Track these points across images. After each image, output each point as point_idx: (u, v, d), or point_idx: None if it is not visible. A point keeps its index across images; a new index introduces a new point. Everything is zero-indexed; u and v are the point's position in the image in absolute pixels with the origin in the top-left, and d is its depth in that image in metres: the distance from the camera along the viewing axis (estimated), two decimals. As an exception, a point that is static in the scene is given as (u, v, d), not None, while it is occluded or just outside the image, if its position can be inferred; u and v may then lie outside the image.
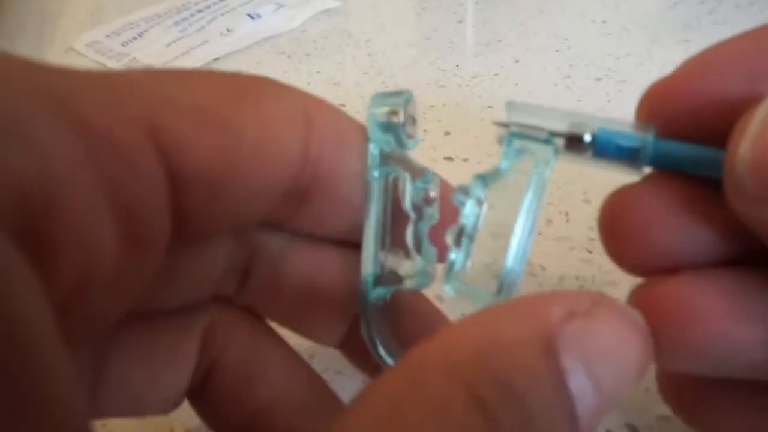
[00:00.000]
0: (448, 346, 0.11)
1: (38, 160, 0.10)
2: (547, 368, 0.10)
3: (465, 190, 0.16)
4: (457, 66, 0.41)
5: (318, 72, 0.41)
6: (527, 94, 0.37)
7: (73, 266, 0.11)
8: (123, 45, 0.46)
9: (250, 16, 0.47)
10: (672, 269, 0.14)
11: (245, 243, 0.17)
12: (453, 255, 0.16)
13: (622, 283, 0.19)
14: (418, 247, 0.17)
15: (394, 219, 0.17)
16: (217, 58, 0.44)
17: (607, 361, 0.11)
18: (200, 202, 0.14)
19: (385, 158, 0.17)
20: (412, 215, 0.17)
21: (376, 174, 0.17)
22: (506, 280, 0.15)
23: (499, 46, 0.42)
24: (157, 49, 0.45)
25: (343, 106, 0.22)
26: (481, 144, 0.33)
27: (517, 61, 0.40)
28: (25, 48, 0.49)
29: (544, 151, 0.16)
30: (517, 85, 0.38)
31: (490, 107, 0.36)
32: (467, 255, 0.16)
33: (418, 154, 0.17)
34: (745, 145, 0.12)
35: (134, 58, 0.44)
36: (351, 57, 0.43)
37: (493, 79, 0.39)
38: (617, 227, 0.15)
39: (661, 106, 0.15)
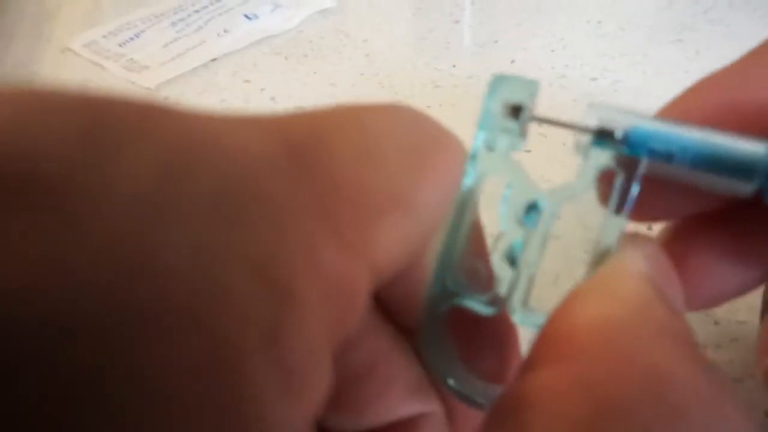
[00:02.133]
0: (582, 358, 0.11)
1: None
2: (660, 301, 0.13)
3: (534, 206, 0.14)
4: (454, 66, 0.41)
5: (315, 73, 0.42)
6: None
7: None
8: (120, 45, 0.46)
9: (247, 16, 0.47)
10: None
11: None
12: (514, 278, 0.14)
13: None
14: (501, 268, 0.15)
15: (477, 226, 0.15)
16: (214, 59, 0.44)
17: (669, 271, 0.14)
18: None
19: (488, 157, 0.15)
20: (503, 229, 0.15)
21: (471, 171, 0.14)
22: None
23: (495, 46, 0.43)
24: (154, 49, 0.45)
25: (340, 106, 0.22)
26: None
27: (513, 62, 0.40)
28: (22, 48, 0.49)
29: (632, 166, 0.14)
30: (513, 85, 0.38)
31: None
32: (532, 279, 0.14)
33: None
34: None
35: (131, 59, 0.45)
36: (348, 58, 0.43)
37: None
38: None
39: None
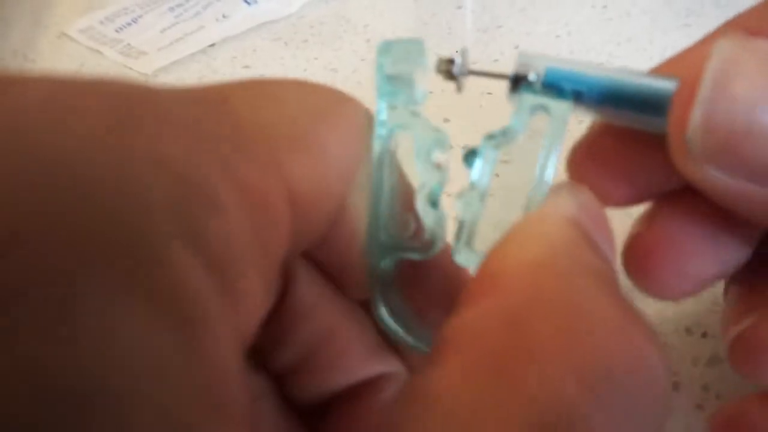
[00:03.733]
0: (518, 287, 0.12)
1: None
2: (586, 242, 0.13)
3: (474, 152, 0.15)
4: (457, 52, 0.40)
5: (315, 58, 0.41)
6: (527, 81, 0.37)
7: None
8: (117, 31, 0.45)
9: (246, 1, 0.47)
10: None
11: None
12: (461, 220, 0.15)
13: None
14: (426, 213, 0.15)
15: (400, 182, 0.16)
16: (212, 44, 0.43)
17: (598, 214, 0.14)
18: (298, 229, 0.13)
19: (393, 115, 0.15)
20: (422, 177, 0.15)
21: (382, 132, 0.15)
22: None
23: (498, 32, 0.42)
24: (152, 35, 0.44)
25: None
26: (481, 131, 0.33)
27: (517, 47, 0.40)
28: (19, 34, 0.48)
29: (559, 106, 0.15)
30: (516, 71, 0.37)
31: (489, 93, 0.35)
32: (475, 221, 0.15)
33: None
34: (697, 111, 0.14)
35: (128, 45, 0.44)
36: (349, 43, 0.43)
37: (493, 65, 0.38)
38: (646, 271, 0.18)
39: None
